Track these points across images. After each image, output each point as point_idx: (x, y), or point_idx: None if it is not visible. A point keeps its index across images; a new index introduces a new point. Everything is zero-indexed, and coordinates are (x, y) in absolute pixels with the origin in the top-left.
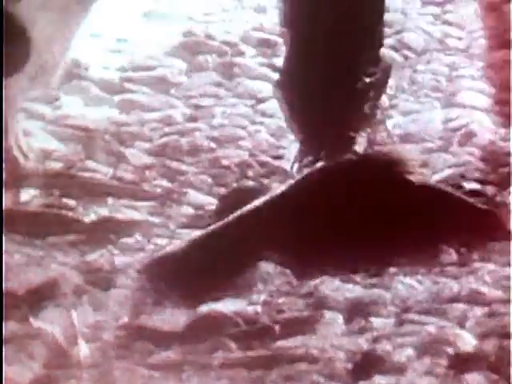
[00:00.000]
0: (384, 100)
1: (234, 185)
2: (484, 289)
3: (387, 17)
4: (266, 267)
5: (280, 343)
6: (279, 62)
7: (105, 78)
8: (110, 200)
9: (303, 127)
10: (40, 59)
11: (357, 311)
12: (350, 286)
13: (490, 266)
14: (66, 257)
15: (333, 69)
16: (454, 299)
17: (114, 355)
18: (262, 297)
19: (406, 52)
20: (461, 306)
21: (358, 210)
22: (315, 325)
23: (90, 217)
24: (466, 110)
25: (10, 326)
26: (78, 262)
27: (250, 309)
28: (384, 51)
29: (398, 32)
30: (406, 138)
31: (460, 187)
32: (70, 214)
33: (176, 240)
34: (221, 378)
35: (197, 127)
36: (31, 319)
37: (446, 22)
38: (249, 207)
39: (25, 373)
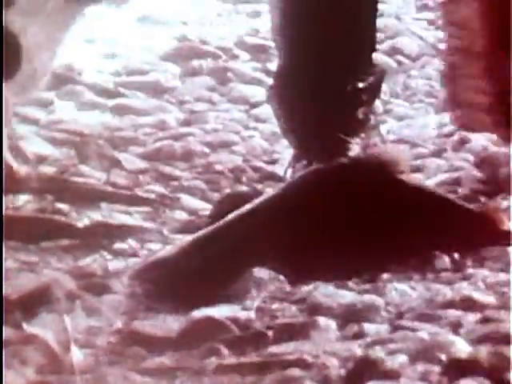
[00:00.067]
0: (378, 105)
1: (228, 190)
2: (478, 295)
3: (381, 22)
4: (260, 273)
5: (273, 349)
6: (273, 67)
7: (99, 83)
8: (103, 205)
9: (297, 132)
10: (31, 66)
11: (350, 317)
12: (344, 291)
13: (484, 272)
14: (59, 262)
15: (325, 74)
16: (448, 305)
17: (107, 361)
18: (256, 302)
19: (399, 57)
20: (455, 312)
21: (351, 214)
22: (309, 331)
23: (83, 222)
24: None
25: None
26: (71, 267)
27: (244, 314)
28: (378, 56)
29: (391, 37)
30: (399, 143)
31: (454, 192)
32: (63, 218)
33: (169, 245)
34: (214, 383)
35: (190, 132)
36: (24, 325)
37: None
38: (240, 211)
39: (18, 378)
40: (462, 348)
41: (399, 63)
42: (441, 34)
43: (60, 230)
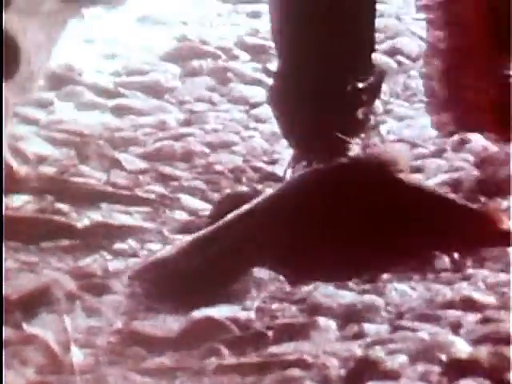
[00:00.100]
0: (378, 105)
1: (228, 190)
2: (478, 295)
3: (381, 22)
4: (260, 273)
5: (273, 349)
6: (273, 67)
7: (99, 83)
8: (103, 205)
9: (296, 133)
10: (29, 67)
11: (350, 317)
12: (344, 292)
13: (484, 272)
14: (59, 262)
15: (325, 74)
16: (448, 305)
17: (107, 361)
18: (256, 303)
19: (400, 57)
20: (455, 313)
21: (351, 214)
22: (309, 331)
23: (83, 222)
24: None
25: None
26: (71, 268)
27: (244, 315)
28: (378, 56)
29: (392, 37)
30: (399, 143)
31: (454, 192)
32: (63, 219)
33: (169, 245)
34: (214, 383)
35: (190, 132)
36: (24, 325)
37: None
38: (240, 211)
39: (18, 379)
40: (462, 348)
41: (399, 63)
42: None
43: (60, 230)
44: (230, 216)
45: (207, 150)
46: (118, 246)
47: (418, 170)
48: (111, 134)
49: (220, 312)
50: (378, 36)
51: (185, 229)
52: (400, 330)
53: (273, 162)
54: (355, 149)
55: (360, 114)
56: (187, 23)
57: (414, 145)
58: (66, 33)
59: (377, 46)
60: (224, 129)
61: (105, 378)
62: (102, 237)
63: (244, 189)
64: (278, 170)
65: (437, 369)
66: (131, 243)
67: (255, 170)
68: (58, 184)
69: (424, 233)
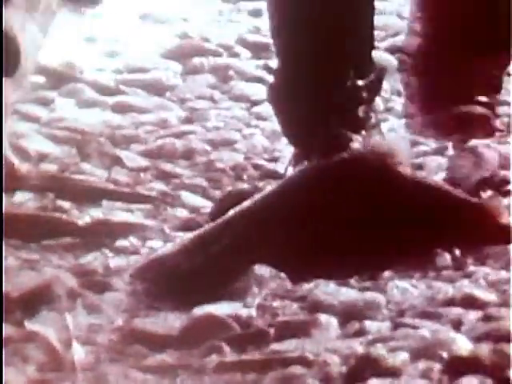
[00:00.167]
0: (379, 103)
1: (229, 188)
2: (479, 292)
3: (382, 20)
4: (261, 270)
5: (274, 347)
6: (274, 64)
7: (100, 81)
8: (104, 203)
9: (296, 131)
10: (25, 64)
11: (351, 315)
12: (345, 289)
13: (486, 270)
14: (60, 260)
15: (323, 72)
16: (449, 303)
17: (109, 358)
18: (257, 300)
19: (401, 55)
20: (456, 310)
21: (352, 211)
22: (310, 328)
23: (84, 219)
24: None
25: (4, 330)
26: (73, 265)
27: (245, 312)
28: (379, 54)
29: (393, 35)
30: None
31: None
32: (65, 216)
33: (171, 243)
34: (215, 381)
35: (192, 130)
36: (25, 322)
37: None
38: (240, 209)
39: (19, 376)
40: (464, 345)
41: (400, 61)
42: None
43: (61, 227)
44: (230, 213)
45: (208, 148)
46: (119, 243)
47: (419, 167)
48: (112, 132)
49: (221, 309)
50: (378, 34)
51: (186, 226)
52: (401, 328)
53: (274, 160)
54: (355, 145)
55: (360, 111)
56: (188, 21)
57: (414, 142)
58: (66, 30)
59: (378, 44)
60: (225, 126)
61: (106, 375)
62: (103, 234)
63: (245, 186)
64: (279, 167)
65: (438, 366)
66: (132, 240)
67: (256, 167)
68: (59, 181)
69: (425, 227)
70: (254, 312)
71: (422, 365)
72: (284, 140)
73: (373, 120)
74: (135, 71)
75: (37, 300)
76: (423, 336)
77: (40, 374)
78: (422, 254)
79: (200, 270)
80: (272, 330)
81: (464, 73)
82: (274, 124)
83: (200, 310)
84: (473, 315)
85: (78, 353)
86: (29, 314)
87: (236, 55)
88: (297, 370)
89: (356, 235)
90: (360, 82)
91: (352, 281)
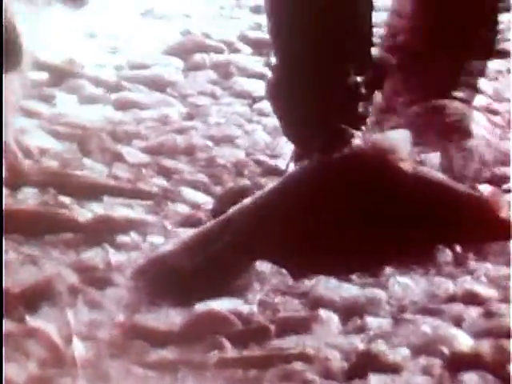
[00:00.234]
0: (379, 100)
1: (230, 184)
2: (480, 289)
3: (382, 17)
4: (262, 266)
5: (276, 343)
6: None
7: (101, 77)
8: (105, 198)
9: (296, 127)
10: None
11: (352, 311)
12: (346, 285)
13: (487, 266)
14: (62, 255)
15: (322, 70)
16: (450, 299)
17: (110, 354)
18: (258, 296)
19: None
20: (457, 306)
21: (353, 207)
22: (311, 324)
23: (85, 215)
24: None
25: (5, 325)
26: (74, 261)
27: (246, 308)
28: (379, 52)
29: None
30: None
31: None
32: (66, 212)
33: (172, 239)
34: (216, 377)
35: (193, 126)
36: (26, 318)
37: None
38: (241, 205)
39: (20, 372)
40: (464, 342)
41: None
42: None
43: (62, 223)
44: (231, 210)
45: (210, 144)
46: (120, 239)
47: (420, 164)
48: (114, 128)
49: (222, 305)
50: (379, 31)
51: (187, 222)
52: (402, 324)
53: (275, 156)
54: (356, 141)
55: (360, 107)
56: (190, 17)
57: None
58: (67, 27)
59: (379, 41)
60: (226, 122)
61: (107, 371)
62: (104, 230)
63: (246, 182)
64: (281, 163)
65: (439, 362)
66: (133, 236)
67: (258, 163)
68: (61, 177)
69: (426, 223)
70: (255, 308)
71: (422, 361)
72: None
73: (373, 116)
74: (136, 67)
75: (38, 296)
76: (424, 332)
77: (41, 369)
78: (423, 249)
79: (202, 268)
80: (273, 326)
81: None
82: (276, 120)
83: (201, 306)
84: (474, 311)
85: (79, 348)
86: (30, 309)
87: (237, 51)
88: (298, 365)
89: (357, 231)
90: (359, 79)
91: (353, 277)
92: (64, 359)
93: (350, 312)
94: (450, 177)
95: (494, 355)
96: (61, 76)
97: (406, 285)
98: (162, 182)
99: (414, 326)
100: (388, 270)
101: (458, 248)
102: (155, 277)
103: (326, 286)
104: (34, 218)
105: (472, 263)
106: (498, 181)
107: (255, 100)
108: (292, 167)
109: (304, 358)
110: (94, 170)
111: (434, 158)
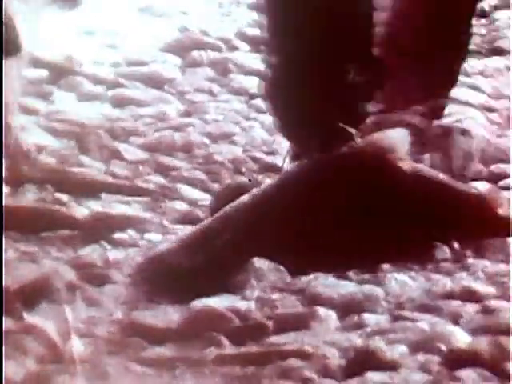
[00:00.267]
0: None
1: (228, 180)
2: (477, 285)
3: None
4: (260, 263)
5: (273, 339)
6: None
7: (99, 74)
8: (103, 195)
9: (293, 125)
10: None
11: (350, 308)
12: (344, 282)
13: (484, 262)
14: (59, 252)
15: (319, 68)
16: (448, 296)
17: (108, 351)
18: (256, 293)
19: None
20: (454, 303)
21: (350, 204)
22: (308, 321)
23: (83, 212)
24: (460, 106)
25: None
26: (71, 258)
27: (244, 305)
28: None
29: None
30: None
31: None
32: (64, 209)
33: (169, 235)
34: (214, 373)
35: (190, 123)
36: (24, 315)
37: None
38: (239, 203)
39: (18, 368)
40: (462, 338)
41: None
42: None
43: (60, 220)
44: (229, 208)
45: (207, 141)
46: (117, 236)
47: (417, 161)
48: (111, 125)
49: (220, 302)
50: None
51: (184, 219)
52: (400, 321)
53: (272, 153)
54: (355, 140)
55: (359, 107)
56: (188, 14)
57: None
58: (65, 24)
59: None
60: (224, 119)
61: (105, 367)
62: (102, 227)
63: (244, 179)
64: (278, 160)
65: (436, 359)
66: (131, 233)
67: (255, 160)
68: (58, 174)
69: (424, 220)
70: (252, 305)
71: (420, 357)
72: None
73: (373, 116)
74: (134, 64)
75: (36, 293)
76: (422, 329)
77: (39, 365)
78: (421, 246)
79: (200, 266)
80: (271, 323)
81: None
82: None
83: (199, 303)
84: (471, 308)
85: (77, 345)
86: (28, 306)
87: (235, 49)
88: (295, 362)
89: (355, 229)
90: (359, 78)
91: (351, 274)
92: (62, 356)
93: (348, 309)
94: (448, 175)
95: (491, 352)
96: (59, 73)
97: (403, 282)
98: (159, 179)
99: (411, 322)
100: (386, 266)
101: (456, 245)
102: (153, 274)
103: (324, 283)
104: (31, 215)
105: (469, 260)
106: (495, 178)
107: (253, 97)
108: (288, 164)
109: (302, 354)
110: (91, 167)
111: (432, 156)
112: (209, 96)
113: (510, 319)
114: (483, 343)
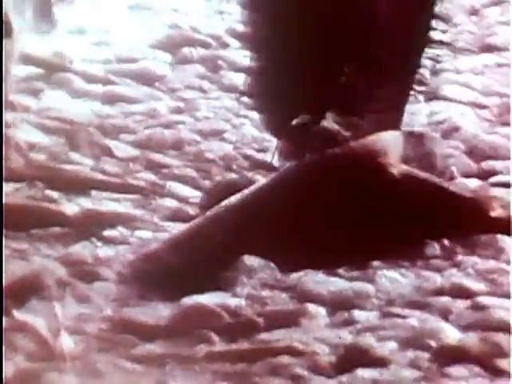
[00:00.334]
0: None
1: (219, 178)
2: (468, 282)
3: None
4: (250, 260)
5: (263, 336)
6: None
7: (89, 71)
8: (93, 192)
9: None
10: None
11: (340, 304)
12: (334, 279)
13: (474, 259)
14: (50, 249)
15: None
16: (438, 292)
17: (98, 348)
18: (246, 290)
19: None
20: (444, 299)
21: (341, 203)
22: (299, 318)
23: (73, 209)
24: (450, 103)
25: None
26: (62, 255)
27: (234, 302)
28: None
29: None
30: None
31: (444, 180)
32: (54, 206)
33: (160, 232)
34: (204, 370)
35: (181, 120)
36: (14, 312)
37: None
38: (230, 203)
39: (8, 365)
40: (452, 335)
41: None
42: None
43: (50, 217)
44: (220, 206)
45: (198, 138)
46: (108, 233)
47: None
48: (102, 122)
49: (210, 299)
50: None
51: (175, 216)
52: (390, 317)
53: (263, 150)
54: (347, 141)
55: (355, 106)
56: (178, 11)
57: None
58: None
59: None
60: (215, 116)
61: (95, 364)
62: (93, 224)
63: (234, 176)
64: (269, 157)
65: (426, 355)
66: (121, 230)
67: (246, 157)
68: (49, 171)
69: (415, 218)
70: (243, 302)
71: (410, 354)
72: None
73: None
74: (124, 61)
75: (26, 289)
76: (412, 325)
77: (29, 363)
78: (411, 244)
79: (191, 264)
80: (261, 320)
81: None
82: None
83: (189, 300)
84: (461, 304)
85: (67, 342)
86: (18, 303)
87: (225, 45)
88: (286, 359)
89: (345, 227)
90: (356, 78)
91: (341, 270)
92: (52, 353)
93: (338, 305)
94: (437, 172)
95: (481, 348)
96: (49, 70)
97: (393, 278)
98: (149, 176)
99: (401, 319)
100: (376, 263)
101: (446, 242)
102: (143, 271)
103: (314, 279)
104: (21, 212)
105: (459, 256)
106: (486, 175)
107: (243, 94)
108: (277, 160)
109: (292, 351)
110: (82, 164)
111: (423, 156)
112: (199, 93)
113: (511, 319)
114: (473, 339)
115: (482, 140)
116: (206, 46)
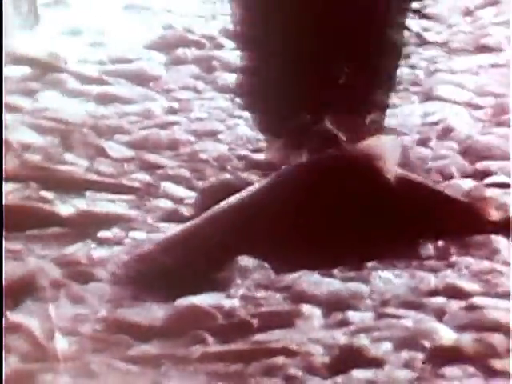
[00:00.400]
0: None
1: (213, 178)
2: (462, 282)
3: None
4: (245, 261)
5: (258, 337)
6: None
7: (84, 71)
8: (88, 193)
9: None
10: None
11: (335, 305)
12: (328, 279)
13: (468, 260)
14: (44, 250)
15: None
16: (432, 293)
17: (92, 349)
18: (241, 290)
19: None
20: (439, 300)
21: (337, 204)
22: (293, 319)
23: (68, 210)
24: (444, 104)
25: None
26: (56, 256)
27: (228, 302)
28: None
29: None
30: (384, 132)
31: (439, 181)
32: (48, 207)
33: (154, 234)
34: (199, 371)
35: (176, 120)
36: (8, 313)
37: (425, 17)
38: (227, 204)
39: (2, 366)
40: (446, 335)
41: None
42: (426, 24)
43: (45, 218)
44: (218, 208)
45: (192, 138)
46: (102, 233)
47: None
48: (96, 122)
49: (205, 300)
50: None
51: (169, 217)
52: (384, 318)
53: (257, 150)
54: (344, 143)
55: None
56: (172, 11)
57: (398, 133)
58: (50, 21)
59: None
60: (209, 117)
61: (89, 365)
62: (87, 225)
63: (229, 177)
64: (263, 157)
65: (421, 356)
66: (116, 231)
67: (240, 158)
68: (43, 172)
69: (410, 222)
70: (237, 302)
71: (404, 354)
72: None
73: (366, 120)
74: (119, 62)
75: (20, 290)
76: (406, 326)
77: (23, 364)
78: (406, 244)
79: (185, 265)
80: (255, 321)
81: None
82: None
83: (184, 301)
84: (456, 305)
85: (61, 343)
86: (12, 304)
87: (219, 46)
88: (280, 360)
89: (340, 228)
90: (355, 78)
91: (335, 271)
92: (46, 353)
93: (333, 306)
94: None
95: (475, 348)
96: (44, 71)
97: (388, 279)
98: (144, 176)
99: (396, 319)
100: (370, 264)
101: (440, 242)
102: (138, 272)
103: (309, 280)
104: (16, 213)
105: (454, 257)
106: (481, 175)
107: (237, 94)
108: (269, 158)
109: (286, 352)
110: (76, 164)
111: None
112: (194, 93)
113: (511, 321)
114: (468, 340)
115: (477, 140)
116: (200, 46)
